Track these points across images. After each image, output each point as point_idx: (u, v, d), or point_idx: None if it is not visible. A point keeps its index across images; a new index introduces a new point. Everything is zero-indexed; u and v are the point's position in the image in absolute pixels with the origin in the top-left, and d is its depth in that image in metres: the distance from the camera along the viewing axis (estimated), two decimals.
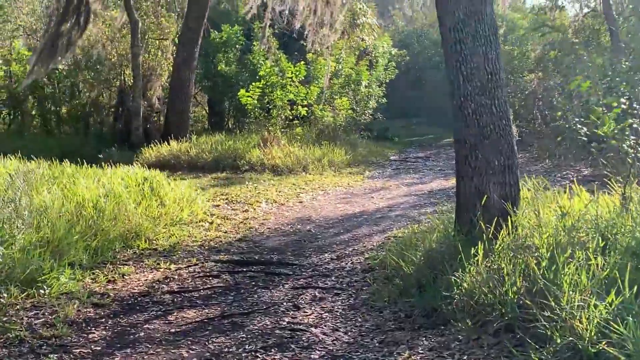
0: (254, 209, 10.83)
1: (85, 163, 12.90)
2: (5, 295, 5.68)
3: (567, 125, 14.52)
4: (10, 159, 12.31)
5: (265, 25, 20.04)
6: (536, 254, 5.35)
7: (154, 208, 9.32)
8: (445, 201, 11.28)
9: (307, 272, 7.18)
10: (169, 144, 16.83)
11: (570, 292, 4.57)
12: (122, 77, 19.26)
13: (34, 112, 20.35)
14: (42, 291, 6.02)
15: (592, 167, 14.34)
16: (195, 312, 5.84)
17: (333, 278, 6.88)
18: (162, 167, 15.70)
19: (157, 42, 19.26)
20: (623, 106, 6.53)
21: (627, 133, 6.48)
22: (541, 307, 4.64)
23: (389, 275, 6.50)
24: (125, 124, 18.73)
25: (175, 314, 5.82)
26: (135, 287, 6.58)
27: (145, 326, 5.52)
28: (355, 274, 7.02)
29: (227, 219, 10.06)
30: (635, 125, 6.40)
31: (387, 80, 24.63)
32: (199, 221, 9.74)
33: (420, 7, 41.32)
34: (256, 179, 14.09)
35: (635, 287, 4.42)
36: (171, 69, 18.78)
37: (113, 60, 18.98)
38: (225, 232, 9.19)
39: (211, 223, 9.68)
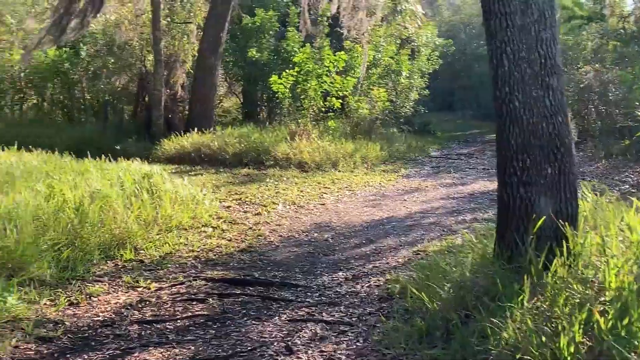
0: (268, 212, 9.62)
1: (100, 155, 11.96)
2: None
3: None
4: (8, 148, 11.34)
5: (303, 9, 18.85)
6: (602, 298, 4.03)
7: (150, 210, 8.16)
8: (487, 207, 9.98)
9: (312, 297, 5.93)
10: (191, 135, 15.75)
11: None
12: (144, 63, 18.23)
13: (55, 99, 19.45)
14: None
15: None
16: (161, 353, 4.64)
17: (342, 308, 5.60)
18: (181, 161, 14.74)
19: (182, 26, 18.13)
20: None
21: None
22: None
23: (410, 310, 5.21)
24: (147, 113, 17.71)
25: (136, 354, 4.63)
26: (100, 313, 5.41)
27: None
28: (371, 302, 5.74)
29: (235, 223, 8.87)
30: None
31: (430, 71, 23.21)
32: (202, 226, 8.56)
33: None
34: (279, 176, 12.88)
35: None
36: (196, 55, 17.66)
37: (134, 45, 17.94)
38: (229, 240, 7.99)
39: (215, 228, 8.49)
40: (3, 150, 11.36)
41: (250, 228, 8.62)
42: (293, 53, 19.03)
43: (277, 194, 10.99)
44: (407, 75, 21.02)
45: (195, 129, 16.02)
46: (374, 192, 11.68)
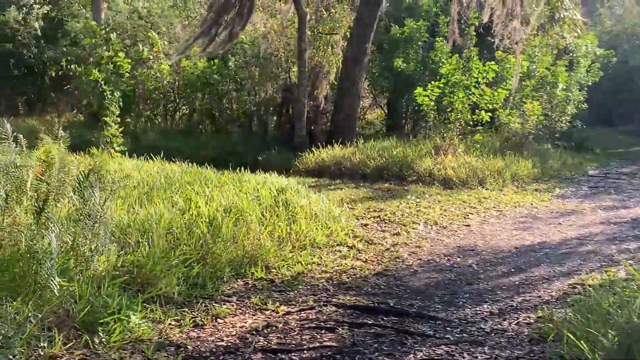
0: (408, 232, 9.11)
1: (243, 165, 12.07)
2: (44, 345, 4.45)
3: None
4: (153, 159, 11.60)
5: (453, 19, 18.27)
6: None
7: (284, 226, 7.93)
8: None
9: (452, 333, 5.37)
10: (332, 148, 15.57)
11: None
12: (288, 74, 18.29)
13: (203, 110, 19.96)
14: (99, 338, 4.75)
15: None
16: None
17: (487, 348, 5.00)
18: (321, 174, 14.56)
19: (327, 36, 18.04)
20: None
21: None
22: None
23: (565, 358, 4.55)
24: (290, 124, 17.75)
25: None
26: (224, 338, 5.14)
27: None
28: (519, 344, 5.11)
29: (372, 243, 8.43)
30: None
31: (590, 84, 21.72)
32: (337, 245, 8.18)
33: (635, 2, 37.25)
34: (421, 192, 12.35)
35: None
36: (340, 65, 17.46)
37: (279, 55, 18.04)
38: (364, 262, 7.57)
39: (350, 248, 8.10)
40: (147, 160, 11.62)
41: (388, 249, 8.16)
42: (440, 64, 18.49)
43: (418, 212, 10.47)
44: (564, 87, 19.77)
45: (338, 141, 15.84)
46: (525, 214, 10.88)
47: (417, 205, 11.09)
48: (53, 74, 22.68)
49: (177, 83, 19.69)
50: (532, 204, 11.76)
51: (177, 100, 20.49)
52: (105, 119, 12.04)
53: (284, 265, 7.12)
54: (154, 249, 6.17)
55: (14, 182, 6.28)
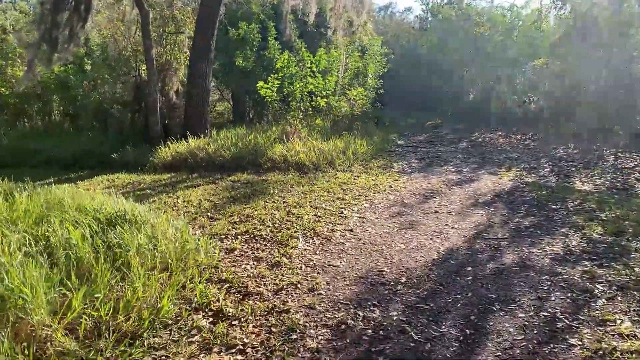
0: (289, 258, 4.55)
1: (98, 165, 6.87)
2: None
3: None
4: None
5: (285, 13, 13.70)
6: None
7: (107, 297, 3.10)
8: (538, 213, 5.25)
9: None
10: (187, 140, 10.51)
11: None
12: (138, 72, 12.56)
13: (62, 113, 13.73)
14: None
15: None
16: None
17: None
18: (178, 168, 9.52)
19: (174, 36, 12.54)
20: None
21: None
22: None
23: None
24: (144, 120, 12.14)
25: None
26: None
27: None
28: None
29: (248, 295, 3.76)
30: None
31: (380, 74, 18.05)
32: (195, 311, 3.46)
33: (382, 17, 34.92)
34: (281, 182, 7.85)
35: None
36: (188, 62, 12.12)
37: (127, 55, 12.25)
38: (244, 354, 2.97)
39: (216, 318, 3.38)
40: None
41: (273, 308, 3.53)
42: (274, 60, 13.94)
43: (289, 215, 5.95)
44: (371, 76, 15.93)
45: (191, 133, 10.81)
46: (392, 201, 6.77)
47: (283, 202, 6.56)
48: None
49: (34, 88, 13.28)
50: (390, 186, 7.67)
51: (39, 104, 14.03)
52: None
53: None
54: None
55: None
